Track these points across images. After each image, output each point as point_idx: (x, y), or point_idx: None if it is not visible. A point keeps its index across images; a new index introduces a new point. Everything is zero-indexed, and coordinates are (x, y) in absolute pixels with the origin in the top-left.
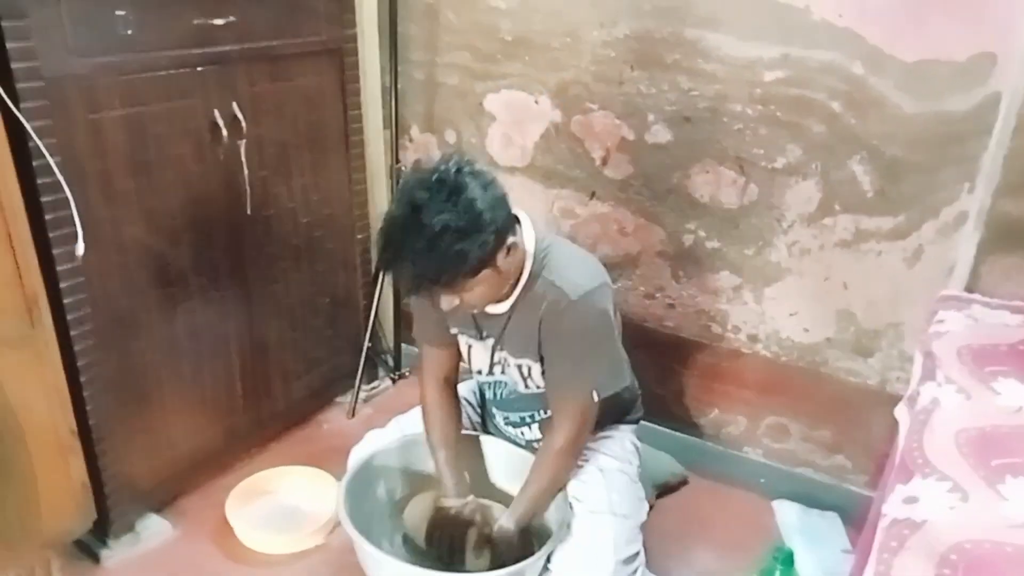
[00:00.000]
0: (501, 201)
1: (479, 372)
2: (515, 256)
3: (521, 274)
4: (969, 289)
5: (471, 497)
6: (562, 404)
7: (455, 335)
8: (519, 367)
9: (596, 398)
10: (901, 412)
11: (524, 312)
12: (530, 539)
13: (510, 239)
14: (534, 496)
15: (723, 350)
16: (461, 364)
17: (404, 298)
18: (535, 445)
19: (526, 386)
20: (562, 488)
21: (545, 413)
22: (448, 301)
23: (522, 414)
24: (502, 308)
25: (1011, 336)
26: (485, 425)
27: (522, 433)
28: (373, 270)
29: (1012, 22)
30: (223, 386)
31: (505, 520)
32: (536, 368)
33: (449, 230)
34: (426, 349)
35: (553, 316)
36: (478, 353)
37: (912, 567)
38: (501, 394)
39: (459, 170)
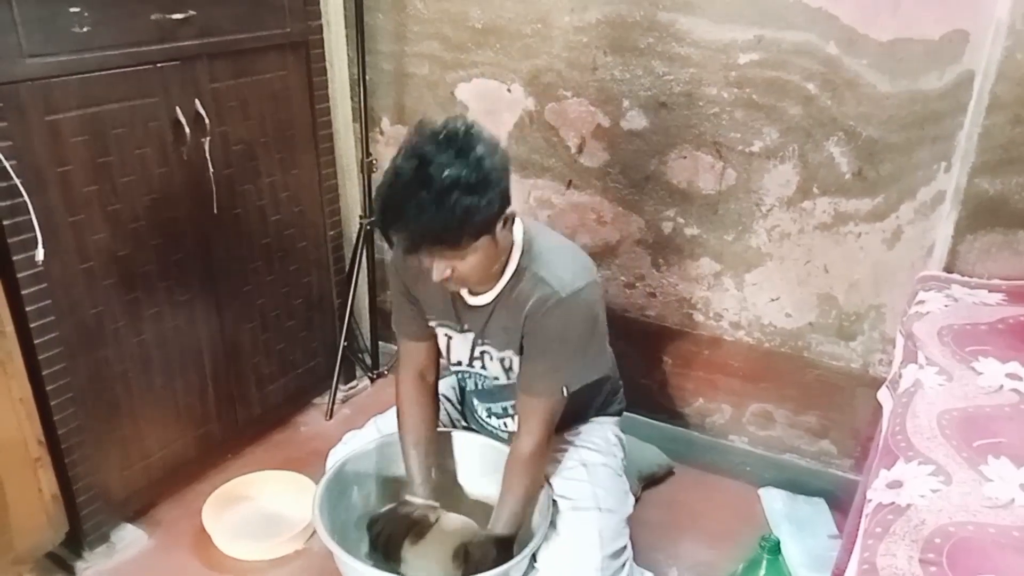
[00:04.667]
0: (506, 166)
1: (458, 363)
2: (508, 234)
3: (507, 264)
4: (948, 269)
5: (434, 503)
6: (532, 404)
7: (433, 328)
8: (501, 360)
9: (565, 394)
10: (884, 395)
11: (510, 305)
12: (511, 546)
13: (509, 209)
14: (514, 507)
15: (706, 338)
16: (441, 360)
17: (380, 284)
18: None
19: (508, 378)
20: (539, 492)
21: None
22: (440, 270)
23: (504, 404)
24: (485, 299)
25: (990, 315)
26: (466, 420)
27: (505, 424)
28: (379, 229)
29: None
30: (196, 392)
31: (485, 535)
32: (517, 362)
33: (459, 185)
34: (404, 343)
35: (540, 313)
36: (458, 346)
37: (897, 552)
38: (482, 384)
39: (468, 129)
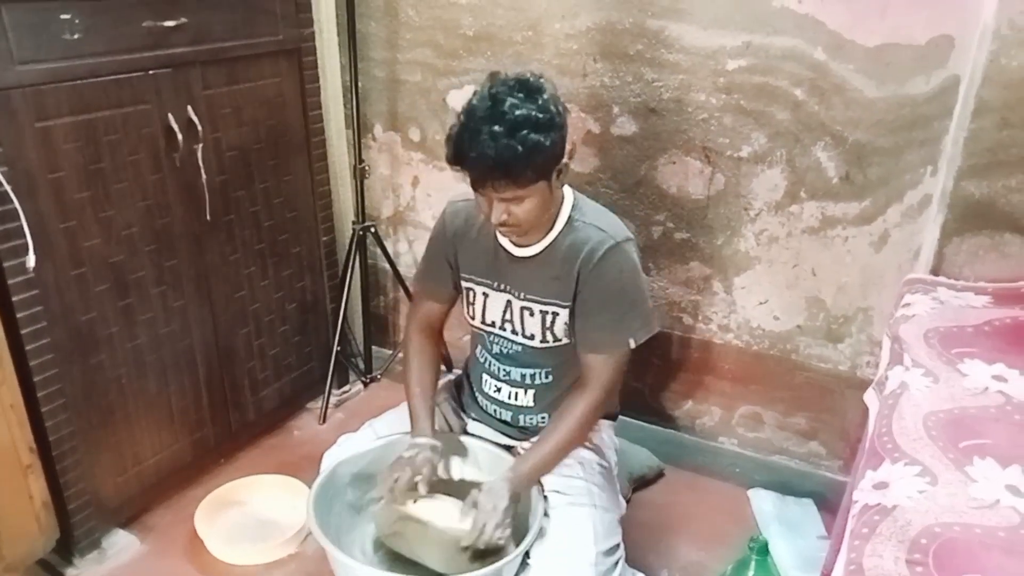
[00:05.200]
0: (565, 118)
1: (491, 324)
2: (560, 187)
3: (558, 215)
4: (934, 271)
5: (436, 442)
6: (597, 359)
7: (453, 295)
8: (544, 315)
9: (632, 345)
10: (870, 397)
11: (562, 253)
12: (523, 504)
13: (564, 159)
14: (548, 451)
15: (695, 341)
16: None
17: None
18: (520, 420)
19: (544, 338)
20: (573, 450)
21: (546, 377)
22: (499, 211)
23: (523, 371)
24: (533, 251)
25: (976, 317)
26: (464, 410)
27: (515, 397)
28: (450, 162)
29: (968, 4)
30: (190, 397)
31: (503, 475)
32: (562, 316)
33: (529, 121)
34: (422, 301)
35: (595, 259)
36: (493, 304)
37: (883, 552)
38: (507, 350)
39: (538, 77)
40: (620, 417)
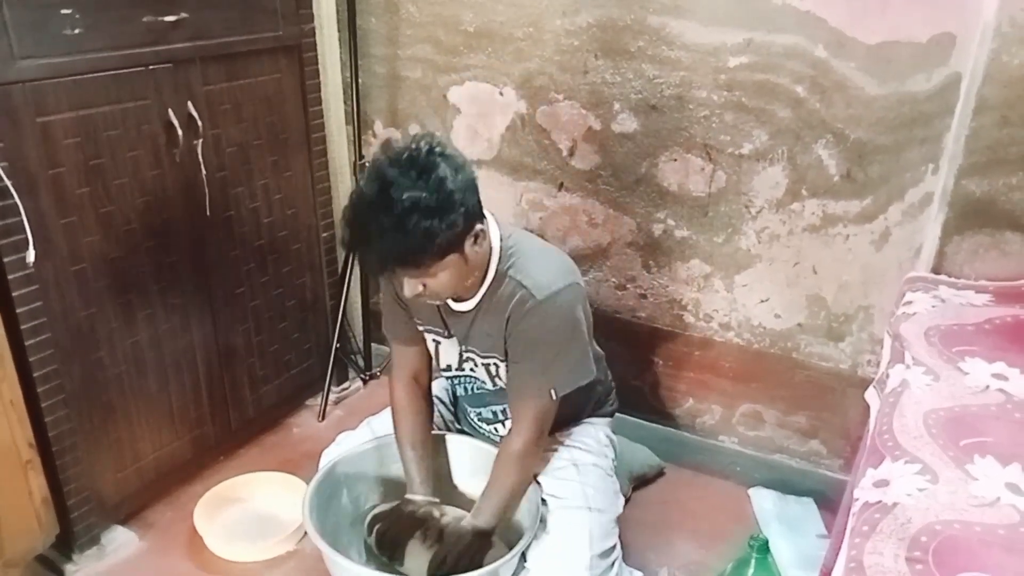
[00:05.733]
0: (471, 185)
1: (448, 368)
2: (482, 247)
3: (487, 271)
4: (935, 270)
5: (435, 499)
6: (521, 405)
7: (422, 335)
8: (486, 366)
9: (554, 397)
10: (871, 395)
11: (490, 311)
12: (488, 541)
13: (478, 226)
14: (497, 500)
15: (696, 339)
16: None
17: (371, 295)
18: None
19: (494, 384)
20: (525, 490)
21: None
22: (412, 286)
23: (494, 408)
24: (468, 306)
25: (977, 316)
26: (458, 422)
27: (495, 430)
28: (340, 267)
29: (969, 2)
30: (189, 394)
31: (465, 521)
32: (503, 367)
33: (418, 208)
34: (396, 347)
35: (519, 316)
36: (446, 350)
37: (884, 550)
38: (472, 389)
39: (431, 150)
40: (621, 415)
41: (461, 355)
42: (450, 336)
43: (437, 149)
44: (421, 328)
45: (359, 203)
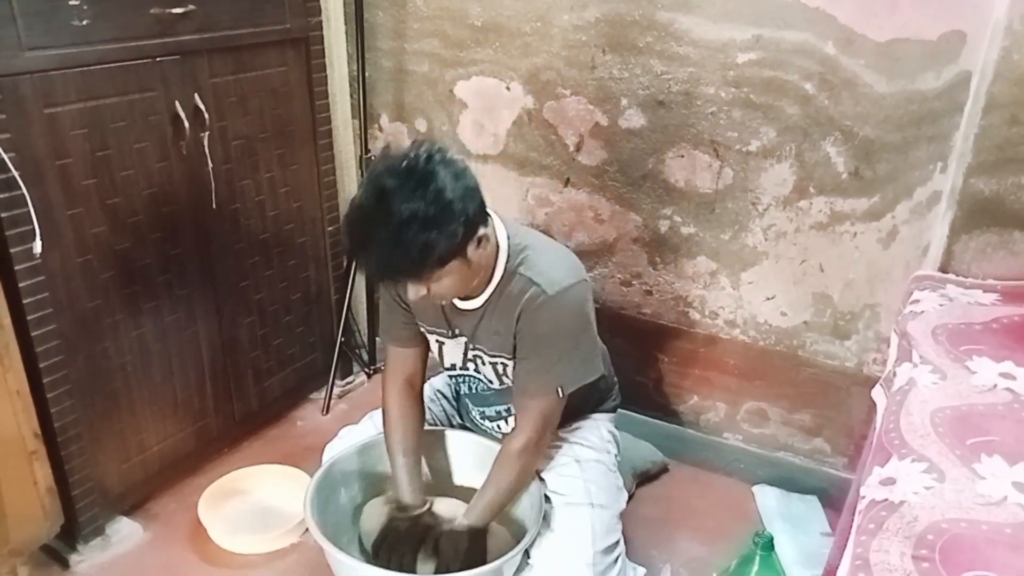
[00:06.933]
0: (472, 191)
1: (452, 367)
2: (486, 249)
3: (494, 270)
4: (943, 268)
5: (427, 504)
6: (527, 403)
7: (422, 335)
8: (494, 365)
9: (561, 395)
10: (878, 394)
11: (499, 309)
12: (483, 539)
13: (481, 230)
14: (493, 498)
15: (701, 336)
16: (431, 358)
17: (375, 289)
18: None
19: (501, 383)
20: (521, 489)
21: None
22: (415, 291)
23: (498, 408)
24: (475, 304)
25: (985, 315)
26: (460, 417)
27: (499, 427)
28: (345, 260)
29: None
30: (194, 386)
31: (458, 522)
32: (511, 366)
33: (416, 219)
34: (392, 350)
35: (530, 312)
36: (451, 350)
37: (889, 548)
38: (475, 388)
39: (429, 158)
40: (625, 412)
41: (466, 354)
42: (454, 336)
43: (436, 156)
44: (423, 329)
45: (357, 214)
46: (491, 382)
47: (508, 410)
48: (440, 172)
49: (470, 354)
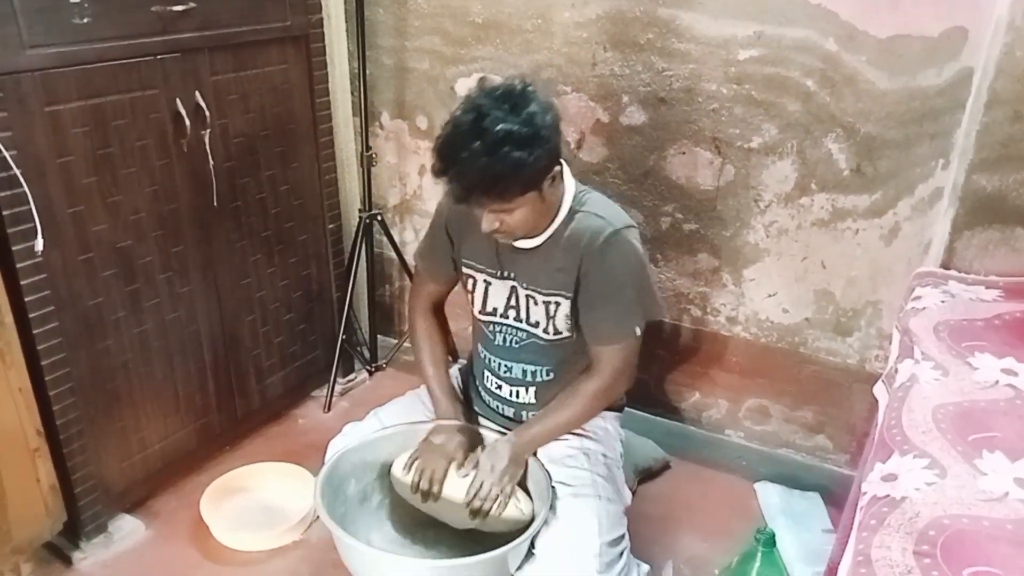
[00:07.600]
0: (558, 126)
1: (492, 312)
2: (557, 189)
3: (559, 211)
4: (945, 265)
5: (465, 423)
6: (605, 351)
7: (453, 276)
8: (547, 305)
9: (639, 333)
10: (880, 390)
11: (563, 246)
12: (524, 467)
13: (557, 167)
14: (545, 427)
15: (703, 333)
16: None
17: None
18: (523, 416)
19: (545, 330)
20: (574, 428)
21: (547, 375)
22: (490, 221)
23: (525, 367)
24: (535, 243)
25: (987, 311)
26: (469, 407)
27: (516, 395)
28: (434, 176)
29: None
30: (195, 384)
31: (503, 440)
32: (565, 307)
33: (510, 138)
34: (424, 281)
35: (596, 248)
36: (496, 292)
37: (891, 544)
38: (509, 341)
39: (525, 87)
40: (626, 409)
41: (509, 298)
42: (503, 277)
43: (531, 88)
44: (468, 270)
45: (453, 130)
46: (534, 326)
47: (535, 374)
48: (534, 101)
49: (517, 297)
